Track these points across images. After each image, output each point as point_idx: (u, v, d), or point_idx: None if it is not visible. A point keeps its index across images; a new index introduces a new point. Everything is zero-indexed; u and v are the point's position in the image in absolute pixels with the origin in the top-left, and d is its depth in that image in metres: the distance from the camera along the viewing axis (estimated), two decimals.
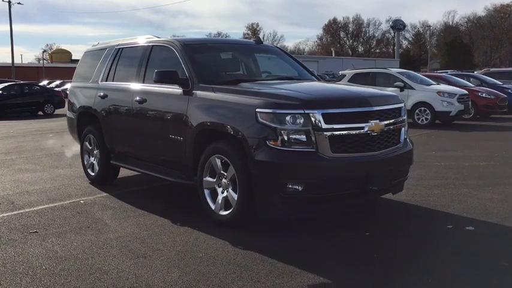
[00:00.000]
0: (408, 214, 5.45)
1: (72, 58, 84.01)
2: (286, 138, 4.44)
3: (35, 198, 6.29)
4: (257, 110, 4.54)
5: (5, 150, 10.98)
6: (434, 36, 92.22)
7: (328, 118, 4.48)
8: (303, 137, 4.46)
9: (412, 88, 14.42)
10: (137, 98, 5.99)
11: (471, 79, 19.32)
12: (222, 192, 4.93)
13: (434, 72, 25.86)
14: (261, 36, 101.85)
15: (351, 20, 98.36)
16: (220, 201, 4.94)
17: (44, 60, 78.09)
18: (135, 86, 6.13)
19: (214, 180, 4.99)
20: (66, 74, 39.96)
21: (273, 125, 4.45)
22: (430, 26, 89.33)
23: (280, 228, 4.89)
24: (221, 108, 4.95)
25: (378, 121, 4.72)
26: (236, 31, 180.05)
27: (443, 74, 19.33)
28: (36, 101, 22.94)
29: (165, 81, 5.45)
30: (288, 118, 4.44)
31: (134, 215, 5.41)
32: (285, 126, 4.44)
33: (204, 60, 5.73)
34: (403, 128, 5.14)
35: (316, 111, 4.45)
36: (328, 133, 4.47)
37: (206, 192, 5.09)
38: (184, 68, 5.47)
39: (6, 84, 23.28)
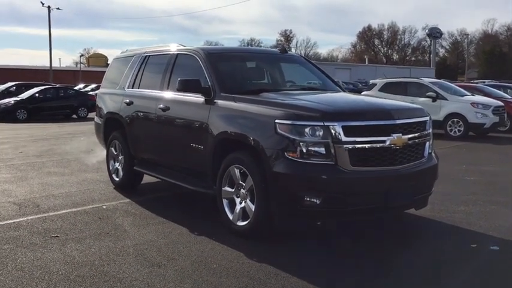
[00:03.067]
0: (432, 231, 5.31)
1: (108, 62, 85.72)
2: (305, 150, 4.39)
3: (59, 202, 6.40)
4: (276, 121, 4.50)
5: (37, 152, 11.25)
6: (473, 45, 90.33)
7: (348, 131, 4.40)
8: (322, 150, 4.39)
9: (444, 99, 14.11)
10: (161, 106, 6.04)
11: (508, 90, 18.78)
12: (240, 203, 4.90)
13: (469, 83, 25.24)
14: (293, 43, 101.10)
15: (386, 27, 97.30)
16: (238, 212, 4.91)
17: (82, 64, 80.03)
18: (160, 93, 6.18)
19: (233, 190, 4.97)
20: (102, 77, 40.70)
21: (291, 136, 4.41)
22: (468, 34, 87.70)
23: (299, 241, 4.83)
24: (241, 118, 4.94)
25: (400, 135, 4.61)
26: (269, 37, 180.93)
27: (479, 85, 18.86)
28: (70, 105, 23.47)
29: (188, 90, 5.48)
30: (307, 130, 4.39)
31: (153, 223, 5.43)
32: (304, 138, 4.39)
33: (227, 69, 5.73)
34: (427, 142, 5.01)
35: (336, 124, 4.38)
36: (348, 146, 4.39)
37: (224, 202, 5.07)
38: (207, 77, 5.49)
39: (42, 87, 23.89)
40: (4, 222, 5.46)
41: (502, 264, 4.31)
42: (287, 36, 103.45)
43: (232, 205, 5.01)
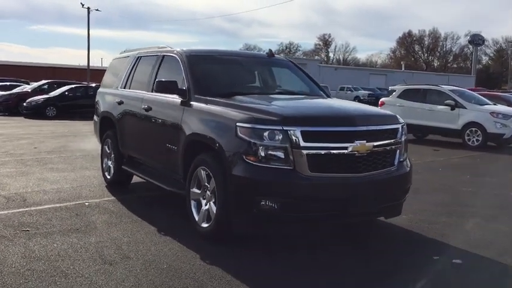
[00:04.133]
0: (399, 241, 5.18)
1: None
2: (263, 154, 4.35)
3: (47, 197, 6.56)
4: (237, 124, 4.49)
5: (50, 148, 11.56)
6: None
7: (307, 136, 4.34)
8: (281, 154, 4.35)
9: (463, 107, 13.71)
10: (144, 106, 6.12)
11: None
12: (206, 205, 4.91)
13: (499, 91, 24.42)
14: (332, 47, 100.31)
15: (427, 33, 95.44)
16: (202, 213, 4.92)
17: None
18: (145, 94, 6.26)
19: (200, 191, 4.98)
20: None
21: (251, 140, 4.38)
22: None
23: (262, 246, 4.80)
24: (208, 120, 4.95)
25: (364, 142, 4.51)
26: (308, 41, 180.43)
27: (505, 94, 18.24)
28: None
29: (165, 91, 5.54)
30: (265, 134, 4.35)
31: (126, 221, 5.50)
32: (263, 142, 4.36)
33: (205, 72, 5.74)
34: (398, 150, 4.89)
35: (295, 128, 4.33)
36: (307, 151, 4.33)
37: (192, 203, 5.09)
38: (185, 79, 5.53)
39: (72, 86, 24.52)
40: None
41: (455, 277, 4.17)
42: (325, 41, 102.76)
43: (199, 207, 5.02)
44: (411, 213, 6.07)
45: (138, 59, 6.96)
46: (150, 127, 6.08)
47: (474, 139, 13.46)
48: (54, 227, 5.25)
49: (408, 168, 5.07)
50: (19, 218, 5.51)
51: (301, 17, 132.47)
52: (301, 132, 4.34)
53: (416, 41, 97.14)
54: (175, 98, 5.49)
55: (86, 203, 6.27)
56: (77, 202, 6.32)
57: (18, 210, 5.87)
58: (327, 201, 4.46)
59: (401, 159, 4.98)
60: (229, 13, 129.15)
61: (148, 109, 6.04)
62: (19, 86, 28.36)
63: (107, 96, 7.54)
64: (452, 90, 14.36)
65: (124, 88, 7.02)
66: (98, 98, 8.08)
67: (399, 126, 4.96)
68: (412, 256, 4.66)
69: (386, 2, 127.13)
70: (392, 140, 4.84)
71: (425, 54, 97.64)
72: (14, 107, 23.43)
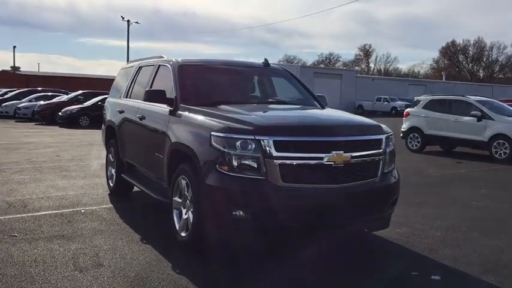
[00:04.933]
0: (382, 254, 5.05)
1: None
2: (235, 163, 4.31)
3: (48, 203, 6.71)
4: (212, 133, 4.47)
5: (71, 157, 11.86)
6: None
7: (279, 146, 4.28)
8: (253, 164, 4.30)
9: (490, 118, 13.20)
10: (139, 115, 6.19)
11: None
12: (186, 214, 4.90)
13: None
14: (373, 57, 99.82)
15: (472, 42, 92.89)
16: (182, 222, 4.91)
17: None
18: (140, 103, 6.33)
19: (181, 201, 4.98)
20: None
21: (223, 149, 4.35)
22: None
23: (235, 257, 4.73)
24: (187, 129, 4.96)
25: (342, 152, 4.40)
26: (349, 51, 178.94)
27: None
28: None
29: (153, 100, 5.60)
30: (238, 143, 4.31)
31: (114, 229, 5.55)
32: (236, 151, 4.32)
33: (194, 81, 5.76)
34: (382, 161, 4.75)
35: (267, 138, 4.27)
36: (279, 161, 4.26)
37: (175, 212, 5.08)
38: (173, 88, 5.56)
39: (105, 96, 25.08)
40: None
41: None
42: (366, 51, 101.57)
43: (180, 216, 5.02)
44: (407, 226, 5.89)
45: (139, 69, 7.06)
46: (143, 136, 6.14)
47: (501, 151, 12.93)
48: (42, 233, 5.35)
49: (394, 180, 4.92)
50: (12, 224, 5.65)
51: (342, 27, 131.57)
52: (274, 142, 4.28)
53: (460, 51, 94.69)
54: (165, 108, 5.53)
55: (82, 210, 6.37)
56: (74, 209, 6.44)
57: (14, 216, 6.02)
58: (300, 212, 4.36)
59: (386, 171, 4.84)
60: (271, 24, 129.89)
61: (142, 118, 6.10)
62: (59, 96, 29.32)
63: (111, 106, 7.68)
64: (479, 101, 13.87)
65: (126, 97, 7.13)
66: (104, 107, 8.24)
67: (382, 136, 4.82)
68: (390, 271, 4.51)
69: (429, 11, 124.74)
70: (374, 151, 4.70)
71: (470, 64, 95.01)
72: (50, 117, 24.20)
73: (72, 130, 20.84)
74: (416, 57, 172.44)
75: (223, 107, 5.19)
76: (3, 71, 76.59)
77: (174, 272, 4.25)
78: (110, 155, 7.56)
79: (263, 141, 4.27)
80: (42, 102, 26.37)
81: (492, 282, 4.18)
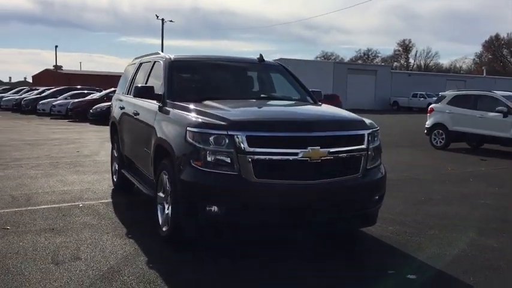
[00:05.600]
0: (365, 252, 4.92)
1: None
2: (209, 159, 4.30)
3: (50, 198, 6.86)
4: (187, 128, 4.46)
5: (90, 153, 12.11)
6: None
7: (252, 141, 4.23)
8: (226, 159, 4.27)
9: None
10: (134, 111, 6.26)
11: None
12: (168, 209, 4.91)
13: None
14: (412, 52, 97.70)
15: None
16: (164, 217, 4.93)
17: None
18: (136, 99, 6.38)
19: (164, 196, 4.99)
20: None
21: (198, 144, 4.34)
22: None
23: (211, 251, 4.72)
24: (169, 125, 4.97)
25: (318, 148, 4.31)
26: (388, 47, 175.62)
27: None
28: None
29: (142, 96, 5.63)
30: (211, 138, 4.29)
31: (105, 223, 5.62)
32: (209, 146, 4.30)
33: (182, 77, 5.78)
34: (364, 157, 4.62)
35: (240, 133, 4.23)
36: (252, 157, 4.21)
37: (159, 207, 5.10)
38: (162, 84, 5.58)
39: None
40: None
41: None
42: (405, 46, 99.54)
43: (164, 211, 5.03)
44: (402, 224, 5.74)
45: (140, 65, 7.12)
46: (137, 131, 6.21)
47: None
48: (34, 226, 5.47)
49: (379, 176, 4.80)
50: (9, 217, 5.80)
51: (381, 23, 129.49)
52: (247, 137, 4.23)
53: (504, 45, 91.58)
54: (155, 104, 5.56)
55: (80, 205, 6.49)
56: (74, 203, 6.56)
57: (14, 209, 6.18)
58: (275, 208, 4.30)
59: (370, 167, 4.71)
60: (308, 20, 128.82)
61: (136, 114, 6.16)
62: (94, 93, 30.01)
63: (115, 102, 7.80)
64: (506, 96, 13.33)
65: (126, 94, 7.22)
66: (112, 103, 8.36)
67: (365, 132, 4.69)
68: (366, 269, 4.38)
69: (472, 5, 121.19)
70: (355, 147, 4.58)
71: None
72: (83, 114, 24.78)
73: (101, 127, 21.19)
74: (458, 52, 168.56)
75: (207, 102, 5.16)
76: (46, 70, 79.34)
77: (147, 267, 4.26)
78: (114, 151, 7.68)
79: (236, 137, 4.23)
80: (73, 100, 27.03)
81: (469, 283, 4.01)
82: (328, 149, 4.37)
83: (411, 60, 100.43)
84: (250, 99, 5.72)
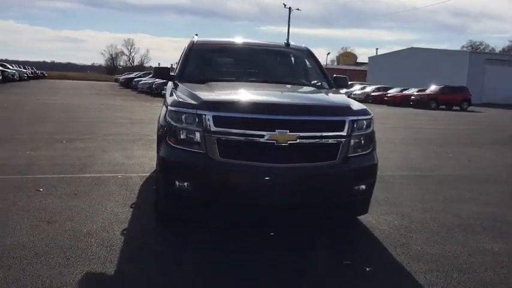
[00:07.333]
0: (339, 243, 4.76)
1: (357, 61, 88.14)
2: (181, 137, 4.48)
3: (101, 168, 7.52)
4: (168, 107, 4.69)
5: None
6: None
7: (218, 121, 4.32)
8: (196, 138, 4.42)
9: None
10: (164, 92, 6.63)
11: None
12: None
13: None
14: None
15: None
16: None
17: (333, 62, 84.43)
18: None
19: None
20: (349, 75, 42.52)
21: (173, 122, 4.55)
22: None
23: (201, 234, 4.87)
24: (164, 105, 5.22)
25: (287, 131, 4.26)
26: None
27: None
28: None
29: (159, 77, 5.97)
30: (183, 117, 4.47)
31: (123, 193, 6.04)
32: (182, 125, 4.48)
33: (198, 60, 5.98)
34: (342, 144, 4.44)
35: (207, 113, 4.35)
36: (217, 136, 4.31)
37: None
38: (178, 66, 5.87)
39: None
40: (35, 176, 6.80)
41: (348, 285, 3.75)
42: None
43: None
44: (411, 220, 5.46)
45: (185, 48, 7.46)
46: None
47: None
48: (63, 190, 6.06)
49: (365, 164, 4.60)
50: (51, 181, 6.49)
51: None
52: (213, 117, 4.33)
53: None
54: (171, 85, 5.85)
55: (119, 176, 7.04)
56: (115, 174, 7.14)
57: (62, 175, 6.89)
58: (237, 188, 4.35)
59: (353, 154, 4.52)
60: (458, 8, 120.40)
61: (164, 95, 6.52)
62: None
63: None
64: None
65: None
66: None
67: (346, 118, 4.49)
68: (324, 258, 4.24)
69: None
70: (331, 133, 4.43)
71: None
72: None
73: None
74: None
75: (210, 83, 5.31)
76: None
77: (120, 235, 4.58)
78: None
79: (204, 116, 4.35)
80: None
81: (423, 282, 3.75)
82: (298, 133, 4.29)
83: None
84: (258, 82, 5.76)
